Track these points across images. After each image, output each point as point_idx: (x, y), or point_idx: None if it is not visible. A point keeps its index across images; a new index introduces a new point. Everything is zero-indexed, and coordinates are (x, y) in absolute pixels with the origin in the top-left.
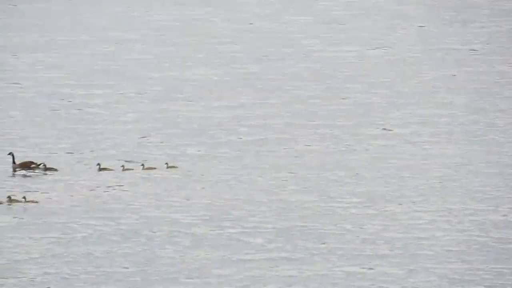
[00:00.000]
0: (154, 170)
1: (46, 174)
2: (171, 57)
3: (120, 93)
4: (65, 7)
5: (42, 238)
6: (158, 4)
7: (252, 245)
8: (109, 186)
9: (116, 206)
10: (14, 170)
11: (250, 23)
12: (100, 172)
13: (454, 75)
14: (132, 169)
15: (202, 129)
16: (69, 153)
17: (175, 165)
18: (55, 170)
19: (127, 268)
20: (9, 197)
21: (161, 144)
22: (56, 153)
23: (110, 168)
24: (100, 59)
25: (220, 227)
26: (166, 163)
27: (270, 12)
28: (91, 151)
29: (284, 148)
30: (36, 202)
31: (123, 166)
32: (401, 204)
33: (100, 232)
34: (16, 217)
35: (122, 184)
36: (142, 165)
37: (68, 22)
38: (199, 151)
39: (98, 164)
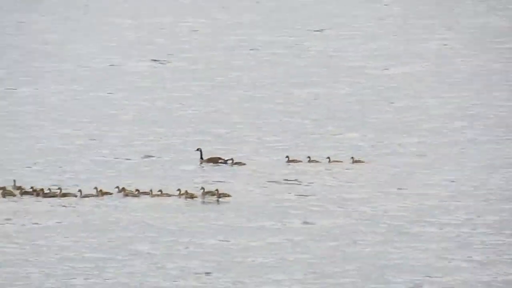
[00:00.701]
0: (340, 164)
1: (234, 168)
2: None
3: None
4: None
5: (254, 237)
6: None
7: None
8: (300, 179)
9: (314, 202)
10: (202, 165)
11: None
12: (289, 164)
13: None
14: (319, 162)
15: (388, 126)
16: (257, 144)
17: (361, 160)
18: (243, 164)
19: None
20: (202, 188)
21: (348, 138)
22: (243, 148)
23: (297, 160)
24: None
25: (430, 225)
26: (352, 157)
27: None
28: (279, 144)
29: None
30: (229, 195)
31: (309, 158)
32: None
33: (308, 230)
34: (213, 213)
35: (310, 177)
36: (328, 158)
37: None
38: (380, 146)
39: (287, 157)
